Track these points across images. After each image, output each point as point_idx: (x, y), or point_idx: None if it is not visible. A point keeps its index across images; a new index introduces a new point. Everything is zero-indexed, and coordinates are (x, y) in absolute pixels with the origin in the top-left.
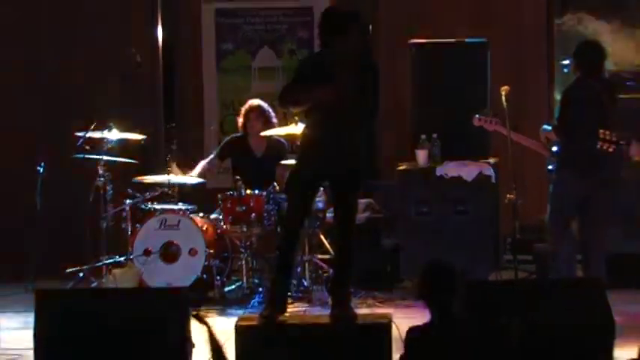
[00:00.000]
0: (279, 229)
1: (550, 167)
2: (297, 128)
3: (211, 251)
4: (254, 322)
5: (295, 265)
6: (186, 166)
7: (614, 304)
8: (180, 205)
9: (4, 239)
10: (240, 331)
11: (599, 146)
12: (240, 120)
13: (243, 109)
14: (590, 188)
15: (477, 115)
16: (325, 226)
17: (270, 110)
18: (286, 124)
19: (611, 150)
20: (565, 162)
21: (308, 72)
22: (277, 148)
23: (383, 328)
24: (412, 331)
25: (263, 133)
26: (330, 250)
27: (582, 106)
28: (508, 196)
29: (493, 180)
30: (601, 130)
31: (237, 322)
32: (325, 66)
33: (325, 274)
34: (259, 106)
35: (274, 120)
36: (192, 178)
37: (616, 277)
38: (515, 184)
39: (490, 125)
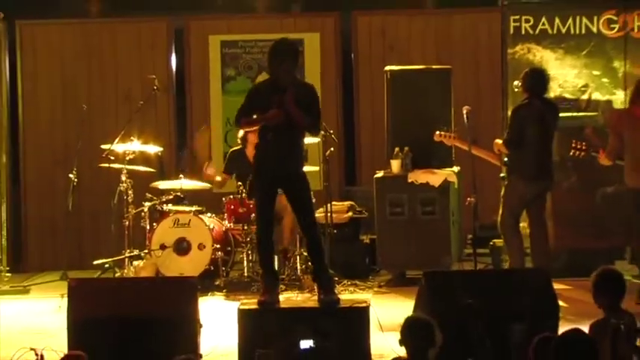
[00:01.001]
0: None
1: (502, 175)
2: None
3: (217, 246)
4: (254, 306)
5: (275, 253)
6: (196, 172)
7: (573, 291)
8: (191, 207)
9: (42, 235)
10: (242, 313)
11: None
12: (241, 133)
13: None
14: (536, 192)
15: (437, 132)
16: None
17: None
18: None
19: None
20: (515, 170)
21: (255, 96)
22: None
23: (362, 310)
24: None
25: None
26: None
27: (528, 122)
28: (468, 199)
29: (456, 186)
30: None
31: (239, 305)
32: (269, 91)
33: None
34: None
35: None
36: (200, 183)
37: (581, 269)
38: (474, 189)
39: (449, 140)
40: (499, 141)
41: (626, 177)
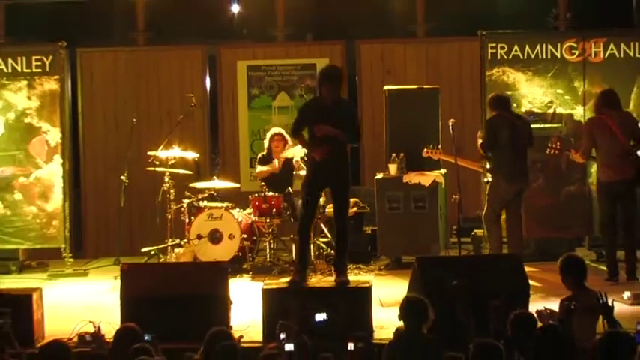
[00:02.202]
0: (292, 220)
1: (486, 180)
2: None
3: (244, 236)
4: (276, 286)
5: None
6: (227, 174)
7: (541, 273)
8: (223, 203)
9: (98, 227)
10: (266, 292)
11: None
12: (266, 143)
13: (268, 135)
14: (515, 191)
15: (425, 149)
16: (325, 217)
17: (287, 136)
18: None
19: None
20: (496, 171)
21: (306, 112)
22: (290, 164)
23: (365, 289)
24: (390, 343)
25: (283, 155)
26: (329, 235)
27: (500, 129)
28: (454, 196)
29: (443, 185)
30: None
31: (263, 285)
32: (316, 107)
33: (325, 252)
34: (280, 133)
35: (290, 142)
36: (230, 184)
37: (547, 254)
38: (458, 188)
39: (435, 155)
40: (480, 133)
41: (598, 172)
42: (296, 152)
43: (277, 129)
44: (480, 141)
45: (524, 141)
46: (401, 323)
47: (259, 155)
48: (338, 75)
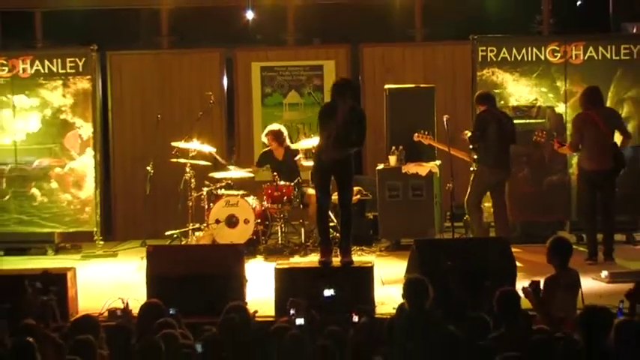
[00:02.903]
0: (301, 207)
1: (472, 168)
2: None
3: (258, 221)
4: (288, 265)
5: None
6: (242, 165)
7: (526, 254)
8: (238, 191)
9: (126, 213)
10: (278, 271)
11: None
12: (265, 140)
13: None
14: (497, 180)
15: (416, 134)
16: (331, 204)
17: (284, 133)
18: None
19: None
20: (483, 161)
21: (323, 116)
22: (293, 153)
23: (368, 269)
24: (393, 319)
25: (293, 146)
26: (334, 220)
27: (488, 123)
28: (447, 185)
29: (438, 175)
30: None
31: (275, 265)
32: (332, 113)
33: (331, 236)
34: (270, 131)
35: (285, 138)
36: (245, 173)
37: (532, 237)
38: (451, 177)
39: (425, 140)
40: (468, 132)
41: (582, 162)
42: (303, 145)
43: (270, 127)
44: (468, 134)
45: (508, 136)
46: (402, 300)
47: (262, 151)
48: (350, 86)
